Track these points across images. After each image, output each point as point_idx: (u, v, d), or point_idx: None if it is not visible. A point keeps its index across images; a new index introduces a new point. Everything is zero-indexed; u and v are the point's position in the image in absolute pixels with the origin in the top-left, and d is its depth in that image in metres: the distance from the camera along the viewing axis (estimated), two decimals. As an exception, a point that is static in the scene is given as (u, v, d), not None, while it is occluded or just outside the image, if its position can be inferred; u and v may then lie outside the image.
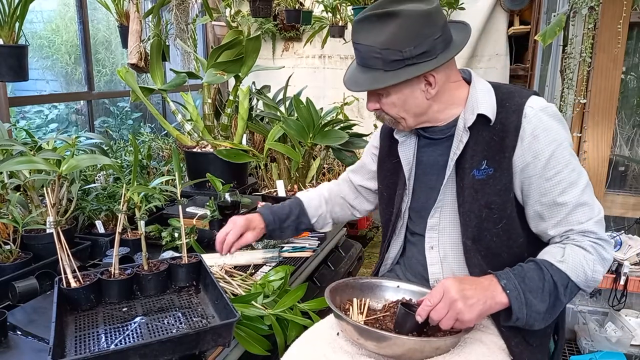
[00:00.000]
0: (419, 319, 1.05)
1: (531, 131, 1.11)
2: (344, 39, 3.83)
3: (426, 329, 1.11)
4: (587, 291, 1.12)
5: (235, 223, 1.39)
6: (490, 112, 1.15)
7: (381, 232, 1.47)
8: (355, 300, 1.23)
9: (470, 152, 1.17)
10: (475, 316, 1.02)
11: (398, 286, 1.26)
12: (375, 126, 4.02)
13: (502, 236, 1.17)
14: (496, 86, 1.21)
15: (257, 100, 2.54)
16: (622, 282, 2.17)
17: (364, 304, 1.23)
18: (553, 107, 1.15)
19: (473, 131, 1.17)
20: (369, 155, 1.49)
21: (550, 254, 1.10)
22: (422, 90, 1.16)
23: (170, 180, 2.19)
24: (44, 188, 1.36)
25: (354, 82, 1.18)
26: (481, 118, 1.15)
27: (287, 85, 2.44)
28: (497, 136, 1.14)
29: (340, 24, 3.62)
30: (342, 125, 2.27)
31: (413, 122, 1.22)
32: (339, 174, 3.55)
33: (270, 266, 1.79)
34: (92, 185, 2.04)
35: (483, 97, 1.17)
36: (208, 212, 2.01)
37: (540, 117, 1.12)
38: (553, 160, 1.10)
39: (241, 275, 1.66)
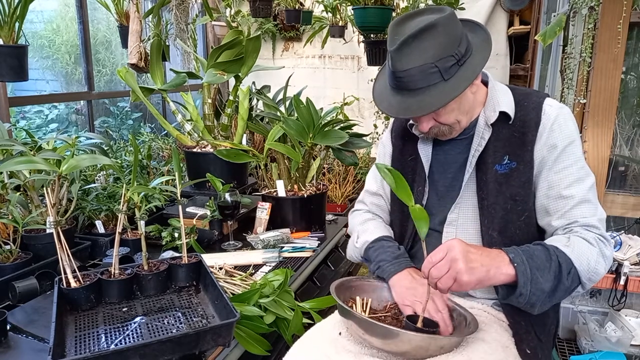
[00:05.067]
0: (423, 274, 1.07)
1: (549, 126, 1.18)
2: (344, 39, 3.83)
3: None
4: (586, 285, 1.13)
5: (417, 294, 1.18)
6: (510, 110, 1.21)
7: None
8: (358, 298, 1.23)
9: (492, 148, 1.21)
10: (475, 280, 1.03)
11: None
12: (375, 126, 4.01)
13: (524, 229, 1.21)
14: (511, 87, 1.27)
15: (257, 100, 2.54)
16: (622, 282, 2.17)
17: (366, 304, 1.23)
18: (568, 109, 1.22)
19: (493, 128, 1.22)
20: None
21: (556, 240, 1.14)
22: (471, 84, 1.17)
23: (170, 180, 2.19)
24: (44, 188, 1.36)
25: (416, 108, 1.12)
26: (501, 116, 1.21)
27: (287, 85, 2.44)
28: (517, 132, 1.20)
29: (340, 24, 3.61)
30: (342, 125, 2.27)
31: (466, 122, 1.24)
32: (339, 174, 3.56)
33: (270, 266, 1.79)
34: (92, 185, 2.04)
35: (503, 96, 1.23)
36: (208, 212, 2.01)
37: (558, 115, 1.18)
38: (564, 155, 1.16)
39: (241, 275, 1.66)
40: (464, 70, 1.11)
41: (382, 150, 1.47)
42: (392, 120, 1.47)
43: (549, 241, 1.15)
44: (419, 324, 1.10)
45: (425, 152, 1.33)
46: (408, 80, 1.12)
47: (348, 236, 2.59)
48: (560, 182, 1.16)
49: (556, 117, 1.18)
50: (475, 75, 1.12)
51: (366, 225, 1.43)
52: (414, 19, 1.13)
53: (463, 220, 1.27)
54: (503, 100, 1.22)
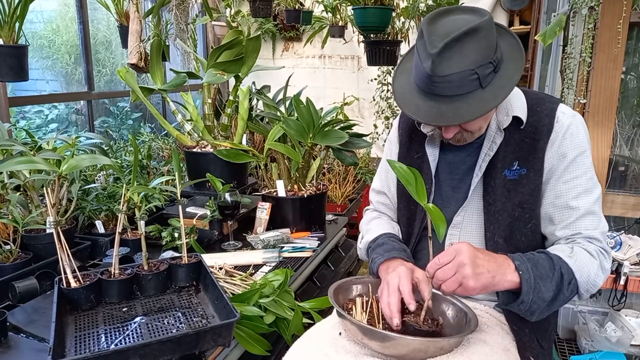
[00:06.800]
0: (427, 274, 1.07)
1: (562, 134, 1.16)
2: (344, 39, 3.83)
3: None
4: (583, 296, 1.14)
5: (400, 274, 1.14)
6: (523, 114, 1.18)
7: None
8: (358, 299, 1.23)
9: (502, 153, 1.19)
10: (480, 286, 1.03)
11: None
12: (375, 126, 4.01)
13: (530, 236, 1.20)
14: (523, 90, 1.24)
15: (257, 100, 2.54)
16: (622, 282, 2.17)
17: (367, 303, 1.23)
18: (580, 117, 1.20)
19: (505, 133, 1.19)
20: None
21: (559, 250, 1.13)
22: None
23: (170, 180, 2.19)
24: (44, 188, 1.36)
25: (453, 116, 1.06)
26: (513, 120, 1.18)
27: (287, 85, 2.44)
28: (528, 138, 1.18)
29: (340, 24, 3.61)
30: (342, 125, 2.27)
31: (485, 127, 1.22)
32: (339, 174, 3.55)
33: (270, 266, 1.79)
34: (92, 185, 2.04)
35: (516, 100, 1.20)
36: (208, 212, 2.01)
37: (571, 123, 1.16)
38: (574, 164, 1.15)
39: (241, 275, 1.66)
40: (500, 78, 1.07)
41: (389, 147, 1.46)
42: (398, 117, 1.46)
43: (552, 250, 1.14)
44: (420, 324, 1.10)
45: (432, 151, 1.31)
46: (446, 86, 1.05)
47: (348, 236, 2.60)
48: (568, 192, 1.15)
49: (569, 126, 1.16)
50: (513, 84, 1.07)
51: (370, 225, 1.43)
52: (446, 18, 1.08)
53: (468, 223, 1.26)
54: (516, 104, 1.19)
